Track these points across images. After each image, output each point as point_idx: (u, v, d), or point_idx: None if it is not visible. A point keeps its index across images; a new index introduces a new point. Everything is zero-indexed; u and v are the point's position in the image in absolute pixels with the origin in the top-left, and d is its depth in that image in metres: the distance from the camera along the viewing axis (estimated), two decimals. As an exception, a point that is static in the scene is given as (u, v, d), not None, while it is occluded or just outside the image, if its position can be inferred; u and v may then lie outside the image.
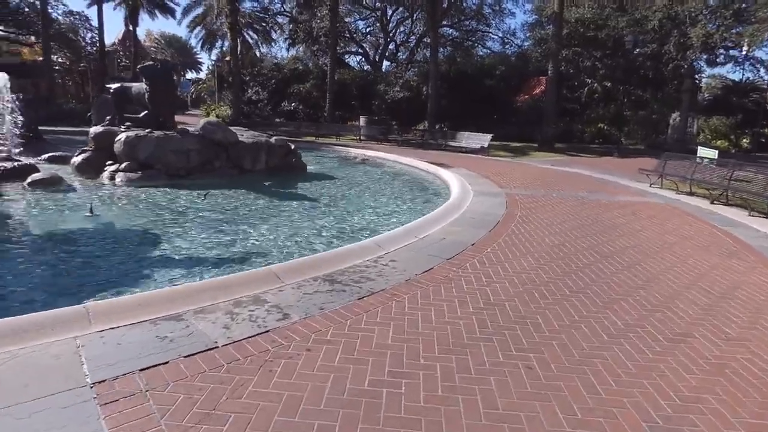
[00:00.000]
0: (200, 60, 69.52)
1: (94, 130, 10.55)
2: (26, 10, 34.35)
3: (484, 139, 20.09)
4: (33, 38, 39.91)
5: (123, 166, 9.80)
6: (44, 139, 14.36)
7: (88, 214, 6.83)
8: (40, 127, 16.67)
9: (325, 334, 3.24)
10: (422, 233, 6.03)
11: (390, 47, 40.23)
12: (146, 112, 10.86)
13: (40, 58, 35.14)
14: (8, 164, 9.45)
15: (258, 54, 44.73)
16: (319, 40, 34.28)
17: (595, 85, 27.64)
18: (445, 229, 6.33)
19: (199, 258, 5.37)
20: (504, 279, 4.58)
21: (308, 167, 13.31)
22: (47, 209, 7.35)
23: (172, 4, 43.41)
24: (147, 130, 10.31)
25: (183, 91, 59.90)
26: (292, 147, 12.78)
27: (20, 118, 12.83)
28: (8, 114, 12.89)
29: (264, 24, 42.12)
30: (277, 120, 28.66)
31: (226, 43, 36.49)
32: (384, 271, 4.56)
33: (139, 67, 11.42)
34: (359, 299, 3.87)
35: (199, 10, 38.35)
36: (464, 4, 34.33)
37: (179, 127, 11.45)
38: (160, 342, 2.95)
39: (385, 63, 40.31)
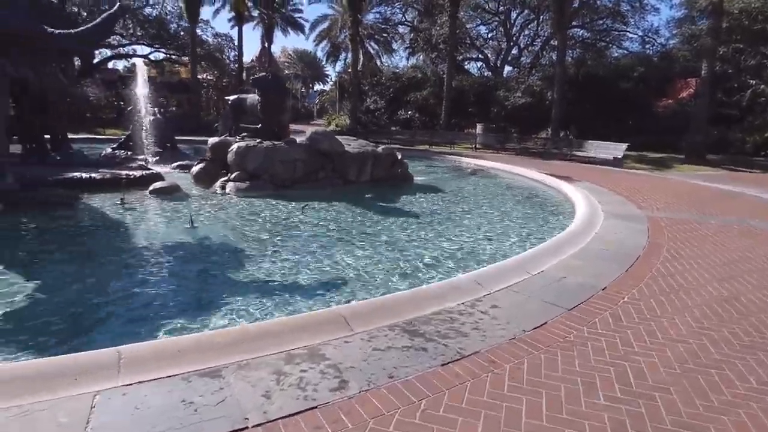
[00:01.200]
0: (326, 72, 73.40)
1: (212, 140, 11.02)
2: (182, 33, 38.87)
3: (617, 149, 17.58)
4: (187, 59, 45.12)
5: (233, 175, 10.02)
6: (178, 148, 15.64)
7: (187, 226, 6.85)
8: (183, 137, 18.42)
9: (387, 422, 2.40)
10: (536, 268, 4.90)
11: (513, 51, 38.31)
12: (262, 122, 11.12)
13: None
14: (138, 172, 10.20)
15: (378, 64, 45.69)
16: (438, 48, 33.77)
17: (762, 87, 22.98)
18: (566, 264, 5.11)
19: (278, 284, 4.87)
20: (651, 350, 3.31)
21: (416, 178, 12.63)
22: (155, 218, 7.59)
23: (302, 21, 46.40)
24: (257, 141, 10.47)
25: (309, 102, 63.71)
26: (399, 157, 12.20)
27: (156, 130, 14.10)
28: (150, 126, 14.26)
29: (385, 35, 42.87)
30: (393, 128, 28.65)
31: (349, 55, 37.85)
32: (482, 323, 3.59)
33: (251, 78, 11.77)
34: (443, 365, 2.96)
35: (325, 25, 40.29)
36: (598, 3, 31.29)
37: (291, 137, 11.55)
38: (183, 410, 2.37)
39: (507, 68, 38.49)
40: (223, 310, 4.14)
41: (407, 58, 42.65)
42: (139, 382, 2.56)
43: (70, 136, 16.97)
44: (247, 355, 2.88)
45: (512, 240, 7.03)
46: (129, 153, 13.70)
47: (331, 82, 62.72)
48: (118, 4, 10.11)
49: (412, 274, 5.31)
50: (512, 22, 36.85)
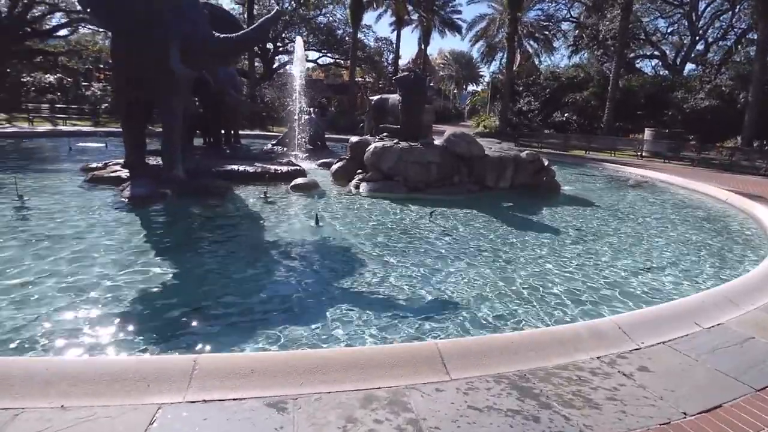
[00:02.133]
0: (481, 73, 72.00)
1: (352, 140, 11.23)
2: (347, 38, 41.41)
3: None
4: (349, 62, 48.10)
5: (368, 175, 10.04)
6: (327, 146, 16.49)
7: (313, 224, 6.92)
8: (337, 136, 19.53)
9: None
10: (710, 319, 3.73)
11: (697, 47, 32.79)
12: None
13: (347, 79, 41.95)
14: (284, 168, 10.87)
15: (536, 63, 43.13)
16: (605, 44, 30.45)
17: None
18: (755, 319, 3.81)
19: (383, 298, 4.49)
20: None
21: (565, 188, 11.33)
22: (288, 214, 7.85)
23: (459, 21, 46.02)
24: (394, 141, 10.35)
25: (461, 104, 63.17)
26: (546, 163, 11.01)
27: (309, 128, 15.02)
28: (304, 124, 15.27)
29: (546, 32, 40.20)
30: (546, 131, 26.65)
31: (505, 55, 36.35)
32: (622, 392, 2.72)
33: (393, 78, 11.70)
34: (557, 449, 2.24)
35: (482, 25, 39.29)
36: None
37: (431, 138, 11.23)
38: (234, 446, 2.10)
39: (688, 66, 33.08)
40: (319, 322, 3.89)
41: (569, 57, 39.46)
42: (204, 401, 2.37)
43: (245, 132, 19.30)
44: (322, 388, 2.53)
45: (679, 276, 5.65)
46: (284, 149, 14.84)
47: (485, 83, 61.32)
48: (276, 9, 10.88)
49: (539, 307, 4.48)
50: (699, 13, 31.51)
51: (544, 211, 9.11)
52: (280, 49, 43.12)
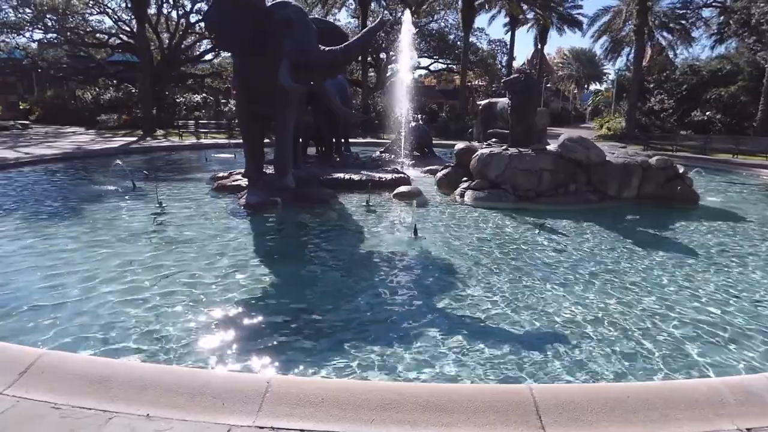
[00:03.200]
0: (604, 71, 66.56)
1: (458, 146, 10.87)
2: (459, 43, 40.97)
3: None
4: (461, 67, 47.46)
5: (473, 183, 9.61)
6: (435, 153, 16.30)
7: (411, 235, 6.74)
8: (446, 141, 19.30)
9: None
10: None
11: None
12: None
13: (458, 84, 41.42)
14: (388, 176, 10.88)
15: (671, 56, 38.53)
16: (759, 30, 26.10)
17: None
18: None
19: (476, 324, 4.11)
20: None
21: (706, 198, 9.80)
22: (388, 223, 7.76)
23: (580, 17, 42.97)
24: (502, 147, 9.79)
25: (582, 104, 58.98)
26: (681, 170, 9.60)
27: (415, 135, 14.95)
28: (410, 131, 15.26)
29: (683, 21, 35.69)
30: (682, 132, 23.59)
31: (633, 50, 33.05)
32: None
33: (502, 81, 11.08)
34: None
35: (606, 18, 36.09)
36: None
37: (544, 143, 10.46)
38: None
39: None
40: (402, 344, 3.67)
41: (711, 48, 34.56)
42: (272, 428, 2.28)
43: (356, 140, 19.95)
44: (394, 429, 2.30)
45: None
46: (392, 156, 14.96)
47: (609, 81, 56.52)
48: (380, 17, 10.97)
49: (665, 349, 3.75)
50: None
51: (677, 226, 7.90)
52: (393, 57, 44.11)
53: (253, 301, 4.49)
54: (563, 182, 9.29)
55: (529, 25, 45.85)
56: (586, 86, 67.67)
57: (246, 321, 4.05)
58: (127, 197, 9.12)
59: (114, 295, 4.51)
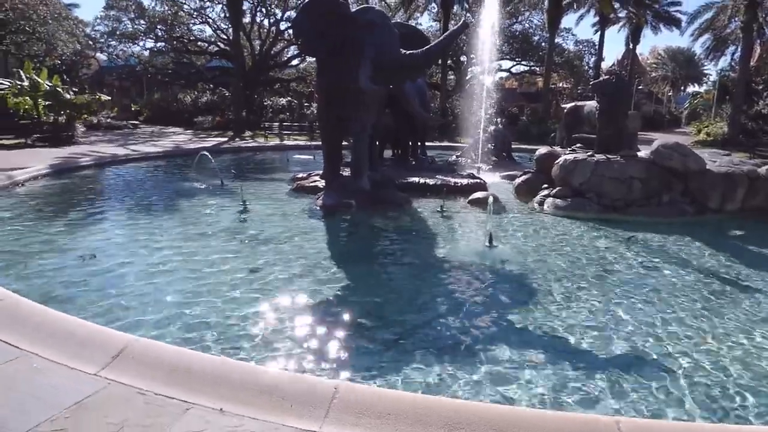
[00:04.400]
0: (705, 71, 60.73)
1: (539, 151, 10.41)
2: (543, 44, 39.39)
3: None
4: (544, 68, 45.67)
5: (555, 191, 9.14)
6: (513, 158, 15.78)
7: (486, 244, 6.52)
8: (526, 146, 18.67)
9: None
10: None
11: None
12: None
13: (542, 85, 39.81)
14: (464, 180, 10.67)
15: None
16: None
17: None
18: None
19: (555, 347, 3.86)
20: None
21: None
22: (462, 230, 7.61)
23: (678, 14, 39.62)
24: (588, 153, 9.23)
25: (678, 107, 54.33)
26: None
27: (494, 139, 14.56)
28: (489, 135, 14.90)
29: (803, 14, 31.58)
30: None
31: (739, 48, 29.83)
32: None
33: (591, 83, 10.43)
34: None
35: (708, 15, 32.85)
36: None
37: (634, 149, 9.72)
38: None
39: None
40: (474, 361, 3.54)
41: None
42: (335, 439, 2.29)
43: (434, 143, 19.85)
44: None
45: None
46: (468, 161, 14.68)
47: (709, 83, 51.48)
48: (462, 20, 10.78)
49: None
50: None
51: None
52: (474, 60, 43.39)
53: (324, 304, 4.57)
54: (656, 192, 8.56)
55: (620, 24, 43.09)
56: (682, 88, 62.20)
57: (316, 323, 4.12)
58: (216, 194, 9.74)
59: (194, 288, 4.80)
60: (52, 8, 27.95)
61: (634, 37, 42.71)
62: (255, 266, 5.46)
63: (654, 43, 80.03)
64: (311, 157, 17.00)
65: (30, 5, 25.90)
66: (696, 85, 59.86)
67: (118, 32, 33.82)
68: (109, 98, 24.71)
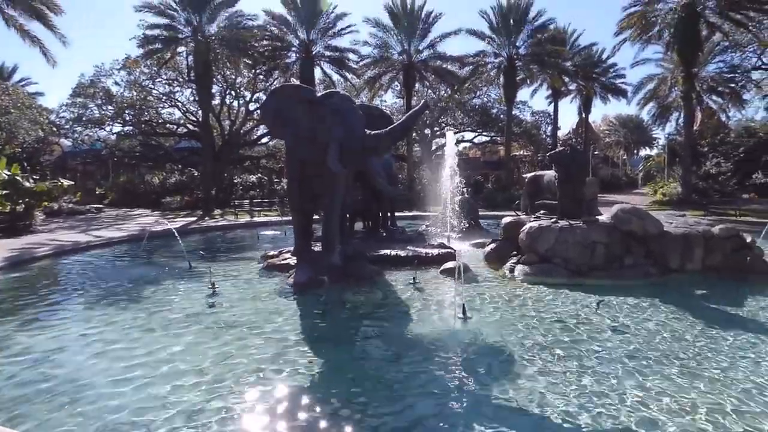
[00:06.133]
0: (654, 136, 65.40)
1: (505, 220, 10.74)
2: (502, 116, 41.86)
3: None
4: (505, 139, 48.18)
5: (523, 258, 9.34)
6: (481, 225, 16.15)
7: (460, 316, 6.51)
8: (493, 213, 19.16)
9: None
10: None
11: None
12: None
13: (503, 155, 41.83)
14: (434, 251, 10.78)
15: (724, 119, 37.51)
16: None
17: None
18: None
19: (539, 424, 3.80)
20: None
21: (781, 270, 8.96)
22: (434, 302, 7.57)
23: (623, 86, 43.17)
24: (552, 220, 9.57)
25: (633, 169, 57.73)
26: (749, 239, 8.94)
27: (461, 208, 14.94)
28: (457, 204, 15.30)
29: (732, 85, 35.07)
30: (745, 196, 22.36)
31: (682, 114, 32.59)
32: None
33: (547, 155, 11.06)
34: None
35: (651, 86, 36.07)
36: None
37: (596, 215, 10.15)
38: None
39: None
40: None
41: (766, 108, 33.47)
42: None
43: (403, 213, 20.19)
44: None
45: None
46: (438, 230, 14.93)
47: (659, 146, 55.29)
48: (423, 100, 11.45)
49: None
50: None
51: (752, 303, 7.22)
52: (437, 132, 45.51)
53: (295, 392, 4.39)
54: (619, 255, 8.85)
55: (572, 96, 46.54)
56: (635, 151, 66.44)
57: (287, 412, 3.94)
58: (183, 279, 9.48)
59: (162, 380, 4.55)
60: (15, 98, 28.24)
61: (585, 107, 46.06)
62: (223, 356, 5.24)
63: (605, 111, 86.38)
64: (281, 233, 16.97)
65: (-8, 96, 26.10)
66: (647, 148, 64.14)
67: (84, 118, 34.20)
68: (72, 183, 24.37)
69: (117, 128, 36.36)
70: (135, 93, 34.10)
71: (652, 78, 36.18)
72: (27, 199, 17.73)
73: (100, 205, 28.46)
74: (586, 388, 4.38)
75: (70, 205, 24.82)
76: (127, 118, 34.72)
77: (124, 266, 11.35)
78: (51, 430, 3.66)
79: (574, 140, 49.64)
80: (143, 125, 35.45)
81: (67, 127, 35.15)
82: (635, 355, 5.14)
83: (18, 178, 17.52)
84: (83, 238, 15.13)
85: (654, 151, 59.22)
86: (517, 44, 31.37)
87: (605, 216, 9.71)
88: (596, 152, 52.17)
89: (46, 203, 20.02)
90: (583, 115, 47.89)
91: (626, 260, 8.76)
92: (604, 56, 42.02)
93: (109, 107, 34.20)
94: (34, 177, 20.24)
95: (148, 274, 10.04)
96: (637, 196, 28.31)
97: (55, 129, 34.57)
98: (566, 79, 39.19)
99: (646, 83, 36.69)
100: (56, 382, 4.62)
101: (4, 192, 17.04)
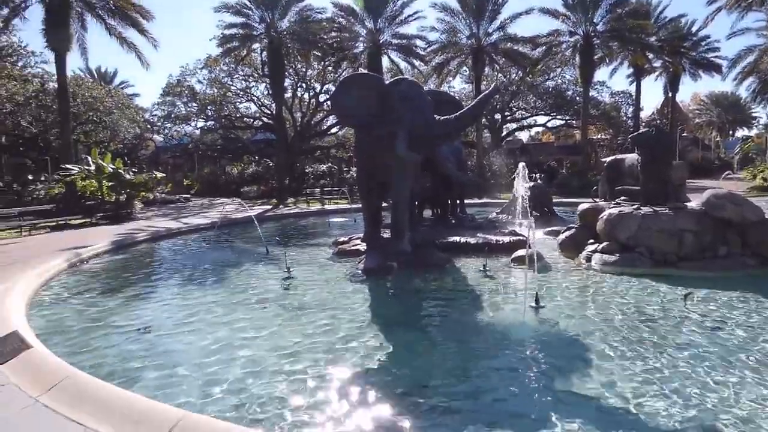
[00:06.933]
0: (754, 114, 59.01)
1: (582, 206, 10.25)
2: (578, 98, 39.72)
3: None
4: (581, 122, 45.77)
5: (601, 246, 8.88)
6: (555, 213, 15.53)
7: (532, 304, 6.34)
8: (567, 200, 18.40)
9: None
10: None
11: None
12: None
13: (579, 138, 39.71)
14: (505, 238, 10.56)
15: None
16: None
17: None
18: None
19: (616, 420, 3.64)
20: None
21: None
22: (506, 290, 7.43)
23: (718, 60, 39.23)
24: (634, 207, 9.00)
25: (728, 152, 52.54)
26: None
27: (534, 195, 14.44)
28: (529, 191, 14.81)
29: None
30: None
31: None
32: None
33: (630, 136, 10.34)
34: None
35: (751, 58, 32.36)
36: None
37: (683, 201, 9.40)
38: None
39: None
40: None
41: None
42: None
43: (473, 201, 19.90)
44: None
45: None
46: (509, 217, 14.56)
47: (760, 126, 49.77)
48: (493, 84, 11.14)
49: None
50: None
51: None
52: (508, 117, 44.11)
53: (367, 373, 4.52)
54: (711, 245, 8.16)
55: (656, 73, 43.08)
56: (731, 132, 60.41)
57: (360, 393, 4.08)
58: (261, 262, 10.03)
59: (242, 360, 4.87)
60: (116, 99, 31.37)
61: (672, 85, 42.50)
62: (298, 337, 5.50)
63: (695, 88, 78.81)
64: (352, 220, 17.37)
65: (98, 98, 29.10)
66: (746, 128, 58.11)
67: (173, 115, 37.18)
68: (164, 175, 26.68)
69: (200, 123, 39.17)
70: (215, 90, 36.45)
71: (752, 50, 32.40)
72: (128, 190, 19.91)
73: (188, 195, 30.73)
74: (669, 387, 4.10)
75: (163, 195, 27.14)
76: (209, 114, 37.22)
77: (209, 249, 12.21)
78: (156, 390, 4.08)
79: (658, 121, 46.01)
80: (223, 120, 37.83)
81: (159, 124, 38.60)
82: (732, 352, 4.74)
83: (121, 171, 19.49)
84: (174, 224, 16.46)
85: (753, 132, 53.48)
86: (595, 20, 29.46)
87: (694, 203, 8.97)
88: (684, 134, 48.03)
89: (143, 193, 22.09)
90: (670, 94, 44.22)
91: (721, 250, 8.05)
92: (694, 28, 38.43)
93: (194, 104, 36.87)
94: (134, 170, 22.42)
95: (230, 258, 10.74)
96: (730, 182, 25.75)
97: (149, 126, 38.15)
98: (650, 56, 36.29)
99: (744, 56, 32.95)
100: (157, 351, 5.12)
101: (110, 184, 19.04)
